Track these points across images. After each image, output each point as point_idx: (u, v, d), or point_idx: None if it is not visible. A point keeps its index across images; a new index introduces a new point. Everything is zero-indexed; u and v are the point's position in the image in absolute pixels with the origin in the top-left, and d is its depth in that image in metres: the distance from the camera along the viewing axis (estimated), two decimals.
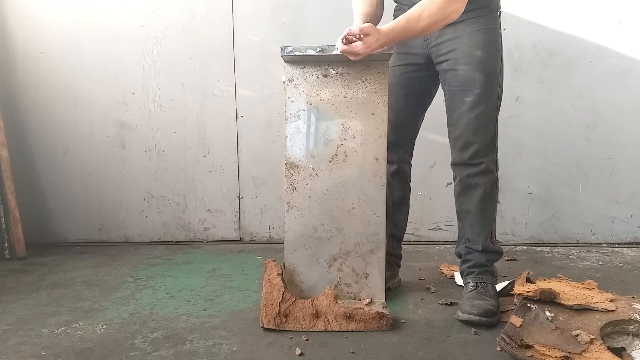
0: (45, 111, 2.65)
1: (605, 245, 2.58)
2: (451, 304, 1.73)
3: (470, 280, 1.70)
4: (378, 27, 1.50)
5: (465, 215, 1.74)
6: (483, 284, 1.68)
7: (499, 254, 1.78)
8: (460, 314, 1.59)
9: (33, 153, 2.68)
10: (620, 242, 2.60)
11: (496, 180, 1.73)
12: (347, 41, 1.47)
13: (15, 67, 2.63)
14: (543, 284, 1.54)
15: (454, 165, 1.74)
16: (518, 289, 1.49)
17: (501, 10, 1.70)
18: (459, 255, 1.80)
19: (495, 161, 1.72)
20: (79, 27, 2.61)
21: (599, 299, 1.47)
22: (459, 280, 1.93)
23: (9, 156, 2.46)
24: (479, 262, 1.72)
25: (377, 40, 1.46)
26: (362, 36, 1.46)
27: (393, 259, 1.91)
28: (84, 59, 2.62)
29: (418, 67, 1.75)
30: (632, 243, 2.59)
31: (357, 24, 1.59)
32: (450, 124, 1.72)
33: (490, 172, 1.70)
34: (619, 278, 2.02)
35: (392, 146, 1.72)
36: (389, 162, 1.73)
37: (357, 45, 1.46)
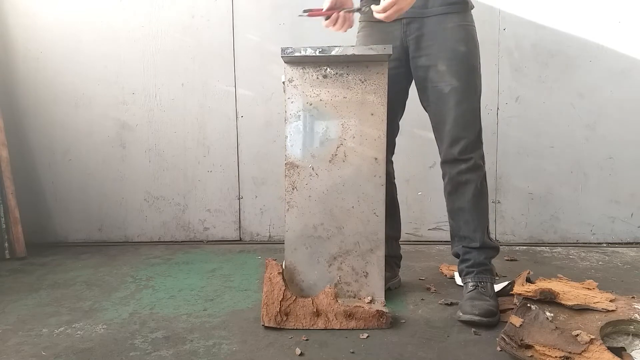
0: (45, 111, 2.66)
1: (605, 245, 2.58)
2: (451, 304, 1.73)
3: (469, 280, 1.70)
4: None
5: (458, 213, 1.74)
6: (482, 283, 1.68)
7: (496, 249, 1.78)
8: (461, 314, 1.59)
9: (33, 153, 2.69)
10: (620, 242, 2.60)
11: (485, 175, 1.74)
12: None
13: (15, 67, 2.64)
14: (543, 284, 1.54)
15: (444, 163, 1.73)
16: (518, 289, 1.48)
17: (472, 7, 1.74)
18: (457, 255, 1.80)
19: (483, 156, 1.73)
20: (79, 27, 2.61)
21: (599, 299, 1.47)
22: (459, 280, 1.92)
23: (9, 156, 2.46)
24: (478, 261, 1.72)
25: None
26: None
27: (393, 260, 1.91)
28: (84, 59, 2.62)
29: (397, 63, 1.73)
30: (632, 243, 2.59)
31: None
32: (436, 121, 1.72)
33: (480, 168, 1.71)
34: (619, 278, 2.02)
35: (388, 149, 1.72)
36: (387, 164, 1.73)
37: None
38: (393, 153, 1.90)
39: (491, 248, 1.75)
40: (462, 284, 1.79)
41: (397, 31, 1.69)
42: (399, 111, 1.84)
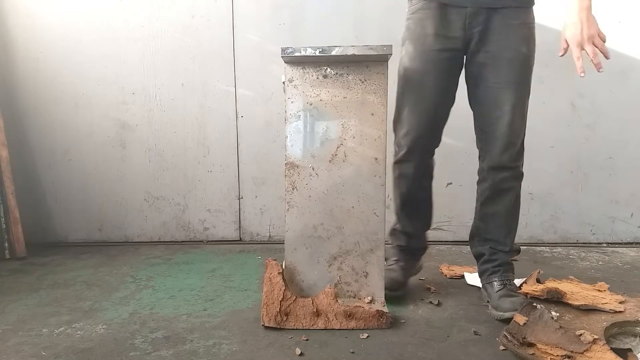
0: (45, 111, 2.65)
1: (605, 245, 2.58)
2: (439, 304, 1.73)
3: (496, 279, 1.67)
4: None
5: (491, 217, 1.70)
6: (509, 280, 1.66)
7: (519, 251, 1.77)
8: (502, 313, 1.55)
9: (33, 153, 2.68)
10: (620, 242, 2.60)
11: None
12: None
13: (15, 67, 2.63)
14: (552, 284, 1.55)
15: (490, 168, 1.66)
16: (526, 288, 1.49)
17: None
18: (481, 255, 1.74)
19: (524, 163, 1.70)
20: (79, 27, 2.60)
21: (607, 300, 1.47)
22: (470, 280, 1.92)
23: (9, 156, 2.46)
24: (504, 261, 1.70)
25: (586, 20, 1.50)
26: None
27: (421, 252, 1.90)
28: (84, 59, 2.62)
29: (455, 52, 1.63)
30: (632, 243, 2.59)
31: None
32: (485, 123, 1.64)
33: (521, 175, 1.69)
34: (619, 278, 2.02)
35: (433, 142, 1.70)
36: (429, 159, 1.70)
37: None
38: (438, 145, 1.78)
39: (516, 250, 1.74)
40: (473, 284, 1.76)
41: (460, 21, 1.58)
42: (453, 102, 1.72)
